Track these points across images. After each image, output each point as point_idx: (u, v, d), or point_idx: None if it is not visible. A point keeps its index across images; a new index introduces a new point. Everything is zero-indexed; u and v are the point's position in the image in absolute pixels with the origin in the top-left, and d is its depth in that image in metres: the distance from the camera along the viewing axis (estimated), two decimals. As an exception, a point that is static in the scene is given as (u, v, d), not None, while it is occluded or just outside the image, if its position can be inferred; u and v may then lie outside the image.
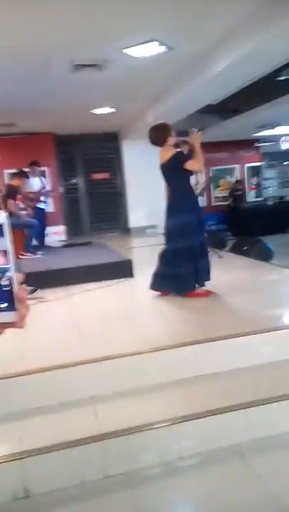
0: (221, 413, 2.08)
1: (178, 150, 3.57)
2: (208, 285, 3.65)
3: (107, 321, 3.22)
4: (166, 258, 3.68)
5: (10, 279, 0.62)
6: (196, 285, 3.63)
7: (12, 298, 0.62)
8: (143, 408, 2.18)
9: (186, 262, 3.52)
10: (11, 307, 0.62)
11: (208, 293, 3.62)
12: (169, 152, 3.55)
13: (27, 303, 0.64)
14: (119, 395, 2.28)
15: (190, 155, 3.51)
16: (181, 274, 3.56)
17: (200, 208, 3.66)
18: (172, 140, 3.57)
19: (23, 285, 0.65)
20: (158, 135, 3.59)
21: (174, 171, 3.55)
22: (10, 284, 0.62)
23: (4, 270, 0.62)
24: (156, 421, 2.05)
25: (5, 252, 0.61)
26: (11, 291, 0.62)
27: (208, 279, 3.64)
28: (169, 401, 2.21)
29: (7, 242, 0.61)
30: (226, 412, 2.09)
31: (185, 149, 3.65)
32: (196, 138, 3.52)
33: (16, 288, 0.62)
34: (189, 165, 3.49)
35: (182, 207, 3.57)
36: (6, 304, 0.62)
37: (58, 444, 1.90)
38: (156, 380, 2.38)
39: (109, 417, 2.11)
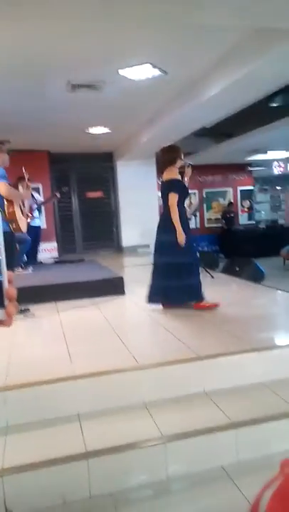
0: (210, 433, 2.04)
1: (175, 178, 3.65)
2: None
3: (96, 337, 3.17)
4: (157, 272, 3.77)
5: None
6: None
7: (1, 294, 0.60)
8: (131, 426, 2.12)
9: (175, 276, 3.61)
10: (0, 304, 0.60)
11: (212, 305, 3.65)
12: (170, 174, 3.65)
13: (15, 302, 0.61)
14: (106, 412, 2.22)
15: (178, 188, 3.63)
16: (171, 287, 3.64)
17: (189, 229, 3.74)
18: (180, 163, 3.68)
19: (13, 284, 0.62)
20: (168, 156, 3.68)
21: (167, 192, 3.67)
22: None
23: None
24: (144, 439, 1.99)
25: None
26: (0, 288, 0.60)
27: (200, 300, 3.66)
28: (158, 420, 2.15)
29: None
30: (215, 431, 2.05)
31: (189, 172, 3.77)
32: (188, 172, 3.74)
33: (5, 285, 0.60)
34: (170, 197, 3.57)
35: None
36: None
37: (41, 462, 1.83)
38: (145, 398, 2.33)
39: (96, 434, 2.04)
